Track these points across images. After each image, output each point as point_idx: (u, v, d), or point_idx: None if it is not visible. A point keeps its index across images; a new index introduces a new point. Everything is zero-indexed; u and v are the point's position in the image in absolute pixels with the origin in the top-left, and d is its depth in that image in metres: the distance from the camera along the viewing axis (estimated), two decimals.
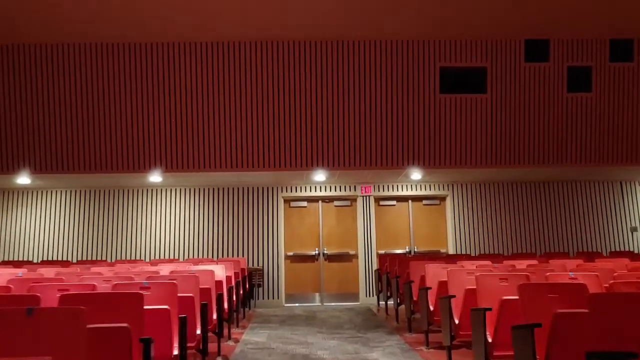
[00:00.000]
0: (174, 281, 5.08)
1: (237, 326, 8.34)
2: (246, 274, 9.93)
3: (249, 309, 10.25)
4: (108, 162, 11.41)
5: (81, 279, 5.70)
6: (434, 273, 7.12)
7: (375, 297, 12.71)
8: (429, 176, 12.57)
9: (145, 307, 4.03)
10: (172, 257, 12.40)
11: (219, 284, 7.03)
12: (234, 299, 8.18)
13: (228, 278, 7.87)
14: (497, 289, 5.21)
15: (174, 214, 12.88)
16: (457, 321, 5.83)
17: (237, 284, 8.29)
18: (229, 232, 12.81)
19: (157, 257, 12.39)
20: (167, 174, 11.90)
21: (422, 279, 7.37)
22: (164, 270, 7.17)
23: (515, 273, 5.89)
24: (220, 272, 7.61)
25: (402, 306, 8.69)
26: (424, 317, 6.84)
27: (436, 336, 7.11)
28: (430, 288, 6.76)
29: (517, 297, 4.81)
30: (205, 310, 5.62)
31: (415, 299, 7.65)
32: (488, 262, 8.09)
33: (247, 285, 10.02)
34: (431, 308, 6.75)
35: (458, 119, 11.62)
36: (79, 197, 12.94)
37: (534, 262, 8.20)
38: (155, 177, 12.05)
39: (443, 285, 6.53)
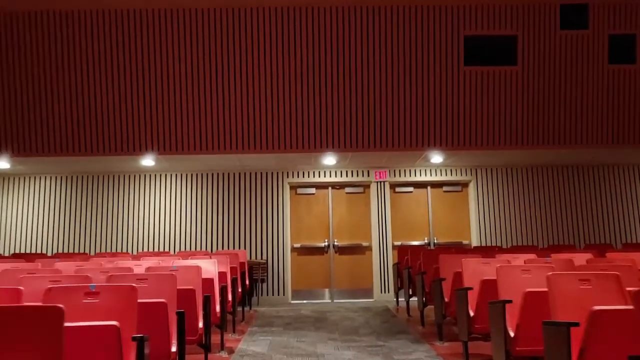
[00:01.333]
0: (133, 284, 3.61)
1: (234, 331, 6.88)
2: (246, 268, 8.49)
3: (250, 308, 8.80)
4: (96, 144, 9.96)
5: (18, 280, 4.24)
6: (474, 270, 5.62)
7: (393, 294, 11.22)
8: (450, 159, 11.05)
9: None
10: (165, 249, 10.94)
11: (207, 282, 5.56)
12: (229, 299, 6.72)
13: (221, 275, 6.40)
14: (579, 294, 3.72)
15: (168, 202, 11.42)
16: (512, 334, 4.35)
17: (234, 281, 6.84)
18: (229, 222, 11.35)
19: (149, 249, 10.94)
20: (161, 158, 10.44)
21: (457, 276, 5.87)
22: (141, 266, 5.71)
23: (601, 272, 4.34)
24: (211, 267, 6.14)
25: (427, 307, 7.24)
26: (463, 324, 5.34)
27: (477, 346, 5.63)
28: (470, 288, 5.27)
29: (618, 308, 3.35)
30: (182, 319, 4.16)
31: (447, 300, 6.17)
32: (532, 256, 6.60)
33: (248, 282, 8.57)
34: (471, 313, 5.27)
35: (484, 95, 10.09)
36: (63, 184, 11.50)
37: (587, 255, 6.69)
38: (148, 160, 10.59)
39: (489, 285, 5.05)
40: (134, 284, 3.73)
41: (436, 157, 10.89)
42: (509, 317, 4.37)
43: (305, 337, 6.69)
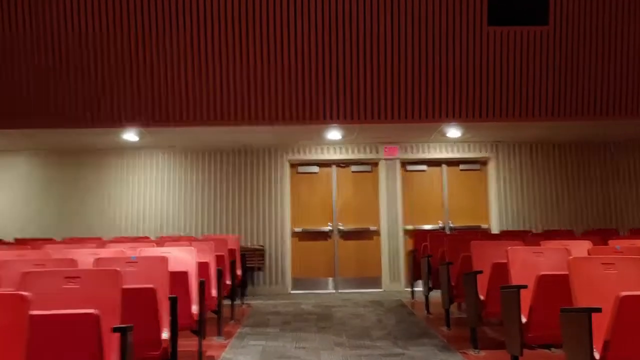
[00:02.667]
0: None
1: (219, 334, 5.53)
2: (237, 256, 7.13)
3: (242, 302, 7.45)
4: (69, 115, 8.57)
5: None
6: (524, 261, 4.25)
7: (404, 284, 9.86)
8: (468, 134, 9.63)
9: None
10: (148, 234, 9.57)
11: (178, 277, 4.20)
12: (214, 294, 5.37)
13: (202, 266, 5.02)
14: None
15: (153, 183, 10.02)
16: (598, 356, 2.99)
17: (220, 272, 5.49)
18: (222, 204, 9.97)
19: (131, 234, 9.57)
20: (145, 131, 9.06)
21: (498, 269, 4.50)
22: (93, 256, 4.34)
23: None
24: (187, 258, 4.77)
25: (451, 304, 5.90)
26: (513, 333, 3.97)
27: (532, 357, 4.27)
28: (524, 286, 3.89)
29: None
30: (125, 335, 2.81)
31: (483, 298, 4.80)
32: (587, 242, 5.22)
33: (241, 272, 7.22)
34: (523, 319, 3.91)
35: (510, 59, 8.65)
36: (31, 162, 10.10)
37: None
38: (130, 134, 9.20)
39: (551, 283, 3.70)
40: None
41: (453, 131, 9.49)
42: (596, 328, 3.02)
43: (305, 341, 5.33)
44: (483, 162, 10.42)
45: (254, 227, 9.90)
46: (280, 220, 9.94)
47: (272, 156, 10.12)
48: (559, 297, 3.56)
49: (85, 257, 4.27)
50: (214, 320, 5.52)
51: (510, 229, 9.95)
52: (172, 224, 9.79)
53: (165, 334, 3.64)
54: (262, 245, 9.78)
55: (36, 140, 9.50)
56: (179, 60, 8.54)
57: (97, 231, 9.61)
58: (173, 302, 3.76)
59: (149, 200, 9.90)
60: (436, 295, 6.69)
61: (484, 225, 10.19)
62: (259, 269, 9.54)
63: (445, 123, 8.92)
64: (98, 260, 3.96)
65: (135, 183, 9.97)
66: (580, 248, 4.83)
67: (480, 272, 4.75)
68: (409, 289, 9.64)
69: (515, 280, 4.10)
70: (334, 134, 9.44)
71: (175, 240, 6.45)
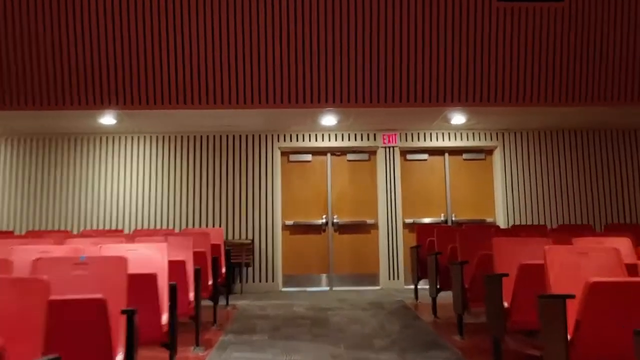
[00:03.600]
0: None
1: (197, 344, 4.70)
2: (222, 252, 6.28)
3: (226, 303, 6.59)
4: (41, 95, 7.71)
5: None
6: (564, 264, 3.45)
7: (403, 281, 9.08)
8: (473, 120, 8.83)
9: None
10: (124, 227, 8.72)
11: (142, 281, 3.37)
12: (191, 298, 4.54)
13: (176, 266, 4.19)
14: None
15: (132, 171, 9.16)
16: None
17: (198, 272, 4.66)
18: (207, 195, 9.12)
19: (105, 226, 8.72)
20: (124, 114, 8.19)
21: (526, 271, 3.71)
22: (43, 255, 3.49)
23: None
24: (157, 256, 3.94)
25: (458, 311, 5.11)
26: (558, 351, 3.17)
27: None
28: (571, 296, 3.09)
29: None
30: None
31: (507, 305, 4.00)
32: (624, 240, 4.44)
33: (225, 269, 6.37)
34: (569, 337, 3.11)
35: (521, 38, 7.85)
36: (0, 147, 9.21)
37: None
38: (108, 118, 8.34)
39: (605, 290, 2.91)
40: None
41: (458, 117, 8.69)
42: None
43: (298, 352, 4.52)
44: (488, 151, 9.63)
45: (242, 219, 9.07)
46: (270, 212, 9.11)
47: (262, 143, 9.27)
48: (617, 309, 2.79)
49: (27, 255, 3.43)
50: (191, 327, 4.69)
51: (517, 223, 9.19)
52: (152, 216, 8.93)
53: (120, 357, 2.82)
54: (250, 240, 8.95)
55: (4, 123, 8.60)
56: (159, 38, 7.68)
57: (71, 223, 8.75)
58: (130, 315, 2.93)
59: (127, 190, 9.03)
60: (445, 297, 5.90)
61: (489, 219, 9.41)
62: (247, 265, 8.72)
63: (450, 108, 8.12)
64: (36, 262, 3.11)
65: (113, 171, 9.09)
66: (623, 248, 4.04)
67: (506, 275, 3.95)
68: (409, 287, 8.88)
69: (556, 288, 3.30)
70: (328, 119, 8.62)
71: (149, 234, 5.61)
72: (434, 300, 5.76)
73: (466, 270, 4.86)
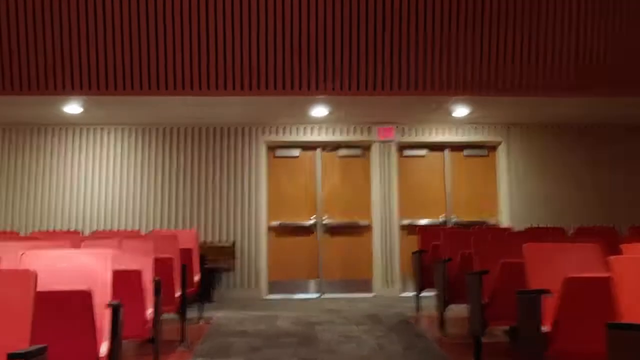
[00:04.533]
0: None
1: None
2: (194, 257, 5.30)
3: (199, 317, 5.61)
4: (3, 79, 6.74)
5: None
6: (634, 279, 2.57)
7: (399, 288, 8.20)
8: (479, 112, 7.96)
9: None
10: (85, 228, 7.75)
11: (68, 301, 2.44)
12: (148, 316, 3.60)
13: (125, 278, 3.25)
14: None
15: (97, 166, 8.16)
16: None
17: (157, 285, 3.73)
18: (183, 192, 8.16)
19: (66, 226, 7.73)
20: (90, 101, 7.24)
21: (574, 286, 2.83)
22: None
23: None
24: (97, 267, 2.99)
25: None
26: None
27: None
28: None
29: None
30: None
31: (548, 329, 3.11)
32: None
33: (197, 278, 5.39)
34: None
35: (533, 12, 6.99)
36: None
37: None
38: (73, 106, 7.38)
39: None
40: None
41: (460, 109, 7.82)
42: None
43: None
44: (491, 147, 8.75)
45: (222, 220, 8.13)
46: (254, 212, 8.18)
47: (246, 136, 8.34)
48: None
49: None
50: (148, 348, 3.75)
51: (523, 224, 8.32)
52: (120, 216, 7.93)
53: None
54: (232, 242, 8.01)
55: None
56: (129, 14, 6.73)
57: (24, 223, 7.77)
58: (38, 352, 2.00)
59: (93, 188, 8.04)
60: (455, 311, 5.02)
61: (492, 220, 8.54)
62: (228, 270, 7.78)
63: (453, 97, 7.24)
64: None
65: (79, 166, 8.11)
66: None
67: (547, 292, 3.05)
68: (406, 295, 8.02)
69: (631, 314, 2.41)
70: (319, 110, 7.72)
71: (106, 236, 4.65)
72: (441, 316, 4.86)
73: (486, 283, 3.96)
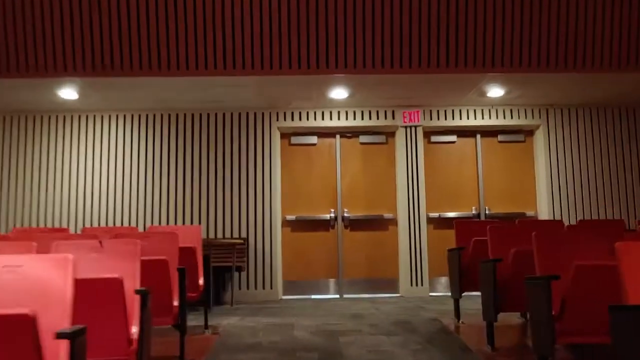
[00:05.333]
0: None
1: None
2: (198, 257, 4.54)
3: (205, 327, 4.82)
4: None
5: None
6: None
7: (429, 287, 7.40)
8: (515, 92, 7.10)
9: None
10: (77, 224, 7.02)
11: None
12: (133, 334, 2.83)
13: (96, 288, 2.48)
14: None
15: (95, 156, 7.43)
16: None
17: (144, 295, 2.97)
18: (191, 185, 7.40)
19: (53, 222, 7.00)
20: (87, 86, 6.51)
21: None
22: None
23: None
24: (51, 277, 2.23)
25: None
26: None
27: None
28: None
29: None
30: None
31: None
32: None
33: (202, 281, 4.61)
34: None
35: None
36: None
37: None
38: (67, 90, 6.67)
39: None
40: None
41: (495, 90, 6.98)
42: None
43: None
44: (528, 132, 7.89)
45: (233, 215, 7.37)
46: (268, 205, 7.41)
47: (258, 123, 7.56)
48: None
49: None
50: None
51: (564, 217, 7.47)
52: (116, 211, 7.18)
53: None
54: (244, 239, 7.25)
55: None
56: None
57: (12, 218, 7.06)
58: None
59: (88, 180, 7.32)
60: (504, 319, 4.20)
61: (529, 212, 7.68)
62: (240, 269, 7.02)
63: (489, 74, 6.40)
64: None
65: (79, 156, 7.39)
66: None
67: None
68: (436, 295, 7.23)
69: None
70: (338, 91, 6.92)
71: (89, 237, 3.89)
72: (490, 327, 4.04)
73: (555, 290, 3.14)
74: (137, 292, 2.83)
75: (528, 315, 4.79)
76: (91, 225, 6.96)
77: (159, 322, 3.67)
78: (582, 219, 7.39)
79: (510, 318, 4.88)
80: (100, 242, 3.20)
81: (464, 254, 4.87)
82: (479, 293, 4.45)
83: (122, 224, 6.94)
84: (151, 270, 3.44)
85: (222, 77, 6.23)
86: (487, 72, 6.31)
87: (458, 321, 4.95)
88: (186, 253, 4.32)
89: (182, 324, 3.77)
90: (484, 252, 4.51)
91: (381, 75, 6.31)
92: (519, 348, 4.37)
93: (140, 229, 6.84)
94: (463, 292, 4.88)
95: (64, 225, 6.88)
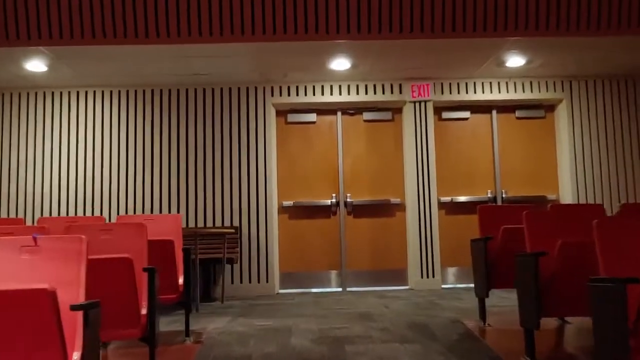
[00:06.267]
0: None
1: None
2: (177, 252, 3.75)
3: (186, 334, 4.02)
4: None
5: None
6: None
7: (440, 278, 6.66)
8: (538, 60, 6.28)
9: None
10: (34, 214, 6.23)
11: None
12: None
13: (12, 303, 1.72)
14: None
15: (66, 137, 6.64)
16: None
17: (86, 312, 2.20)
18: (177, 168, 6.61)
19: (9, 214, 6.22)
20: (56, 56, 5.70)
21: None
22: None
23: None
24: None
25: None
26: None
27: None
28: None
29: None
30: None
31: None
32: None
33: (181, 279, 3.82)
34: None
35: None
36: None
37: None
38: (35, 62, 5.86)
39: None
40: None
41: (515, 58, 6.17)
42: None
43: None
44: (549, 107, 7.09)
45: (224, 201, 6.58)
46: (262, 190, 6.62)
47: (250, 99, 6.75)
48: None
49: None
50: None
51: (590, 200, 6.70)
52: (89, 198, 6.38)
53: None
54: (235, 227, 6.48)
55: None
56: None
57: None
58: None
59: (60, 165, 6.53)
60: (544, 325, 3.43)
61: (551, 196, 6.90)
62: (232, 261, 6.25)
63: (510, 39, 5.59)
64: None
65: (40, 138, 6.59)
66: None
67: None
68: (449, 287, 6.50)
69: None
70: (339, 62, 6.10)
71: (36, 229, 3.10)
72: (530, 334, 3.26)
73: (631, 296, 2.35)
74: (72, 307, 2.04)
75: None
76: (52, 214, 6.16)
77: (124, 334, 2.92)
78: (621, 202, 6.63)
79: (549, 322, 4.12)
80: (35, 240, 2.41)
81: (490, 245, 4.08)
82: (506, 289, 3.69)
83: (92, 213, 6.15)
84: (109, 273, 2.68)
85: (207, 44, 5.42)
86: (509, 37, 5.50)
87: (484, 324, 4.18)
88: (160, 248, 3.54)
89: (151, 336, 2.99)
90: (516, 242, 3.74)
91: (388, 42, 5.49)
92: (555, 356, 3.61)
93: (115, 218, 6.06)
94: (490, 289, 4.10)
95: (21, 215, 6.08)
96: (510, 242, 3.87)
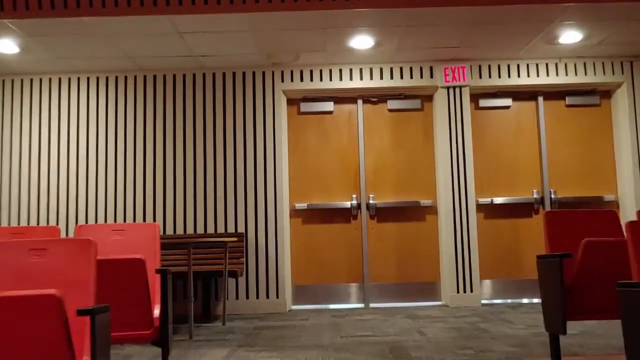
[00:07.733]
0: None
1: None
2: (150, 276, 2.80)
3: None
4: None
5: None
6: None
7: (480, 293, 5.61)
8: (598, 35, 5.19)
9: None
10: (15, 222, 5.30)
11: None
12: None
13: None
14: None
15: (38, 132, 5.71)
16: None
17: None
18: (173, 166, 5.63)
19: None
20: (28, 36, 4.76)
21: None
22: None
23: None
24: None
25: None
26: None
27: None
28: None
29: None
30: None
31: None
32: None
33: (157, 311, 2.85)
34: None
35: None
36: None
37: None
38: (6, 41, 4.93)
39: None
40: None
41: (570, 33, 5.09)
42: None
43: None
44: (605, 93, 5.98)
45: (227, 205, 5.59)
46: (272, 191, 5.61)
47: (257, 85, 5.74)
48: None
49: None
50: None
51: None
52: (61, 202, 5.44)
53: None
54: (240, 234, 5.48)
55: None
56: None
57: None
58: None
59: (31, 164, 5.59)
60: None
61: (609, 197, 5.79)
62: (236, 274, 5.24)
63: (571, 6, 4.52)
64: None
65: (12, 131, 5.66)
66: None
67: None
68: (491, 303, 5.43)
69: None
70: (360, 39, 5.07)
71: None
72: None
73: None
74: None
75: None
76: (24, 223, 5.21)
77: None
78: None
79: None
80: None
81: (568, 265, 3.01)
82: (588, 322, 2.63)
83: (67, 220, 5.18)
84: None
85: (201, 15, 4.43)
86: (571, 2, 4.43)
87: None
88: (124, 270, 2.53)
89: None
90: (609, 262, 2.68)
91: (418, 12, 4.46)
92: None
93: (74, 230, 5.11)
94: (568, 320, 3.03)
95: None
96: (600, 262, 2.80)
